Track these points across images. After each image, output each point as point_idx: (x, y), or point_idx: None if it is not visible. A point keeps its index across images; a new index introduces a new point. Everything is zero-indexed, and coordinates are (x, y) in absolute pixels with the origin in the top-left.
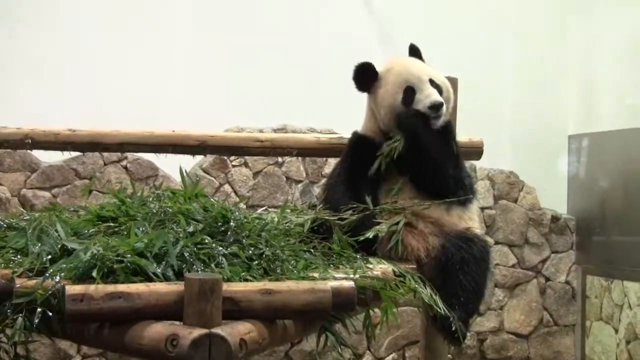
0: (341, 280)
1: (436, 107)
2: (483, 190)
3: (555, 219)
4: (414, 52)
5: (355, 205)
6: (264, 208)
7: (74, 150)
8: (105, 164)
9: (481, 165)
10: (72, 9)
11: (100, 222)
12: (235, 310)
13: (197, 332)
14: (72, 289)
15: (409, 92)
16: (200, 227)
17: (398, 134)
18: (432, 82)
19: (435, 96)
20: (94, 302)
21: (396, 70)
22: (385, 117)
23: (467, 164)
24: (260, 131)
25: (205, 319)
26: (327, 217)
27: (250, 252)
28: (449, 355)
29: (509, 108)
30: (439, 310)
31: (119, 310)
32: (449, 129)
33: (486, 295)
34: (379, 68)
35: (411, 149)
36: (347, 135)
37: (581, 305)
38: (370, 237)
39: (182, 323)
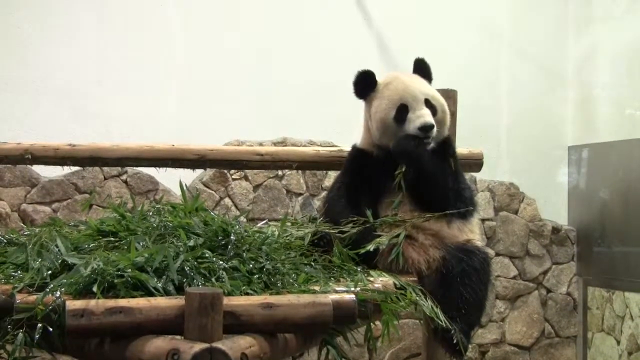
0: (342, 293)
1: (426, 128)
2: (483, 201)
3: (555, 230)
4: (420, 67)
5: (355, 219)
6: (265, 221)
7: (74, 165)
8: (105, 179)
9: (481, 177)
10: (71, 25)
11: (100, 237)
12: (236, 324)
13: (198, 346)
14: (73, 304)
15: (402, 110)
16: (201, 241)
17: (394, 156)
18: (427, 102)
19: (426, 118)
20: (94, 317)
21: (394, 85)
22: (376, 130)
23: (467, 175)
24: (260, 144)
25: (206, 334)
26: (327, 230)
27: (251, 265)
28: None
29: (508, 120)
30: (440, 322)
31: (119, 325)
32: (448, 143)
33: (487, 307)
34: (379, 79)
35: (408, 170)
36: (347, 148)
37: (582, 316)
38: (371, 249)
39: (183, 337)
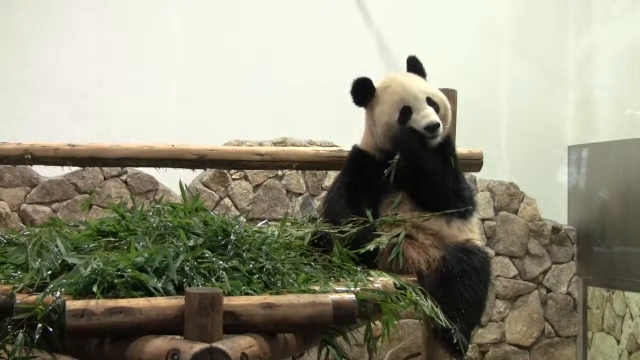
0: (342, 293)
1: (432, 128)
2: (483, 201)
3: (555, 229)
4: (413, 65)
5: (355, 218)
6: (264, 221)
7: (74, 165)
8: (105, 179)
9: (481, 176)
10: (71, 25)
11: (100, 237)
12: (236, 324)
13: (198, 346)
14: (73, 304)
15: (406, 112)
16: (201, 241)
17: (395, 152)
18: (429, 100)
19: (431, 117)
20: (94, 317)
21: (393, 88)
22: (381, 135)
23: (467, 175)
24: (260, 144)
25: (206, 334)
26: (327, 230)
27: (251, 265)
28: None
29: (508, 119)
30: (440, 322)
31: (119, 325)
32: (448, 142)
33: (487, 307)
34: (376, 84)
35: (409, 167)
36: (347, 148)
37: (582, 316)
38: (371, 249)
39: (183, 337)
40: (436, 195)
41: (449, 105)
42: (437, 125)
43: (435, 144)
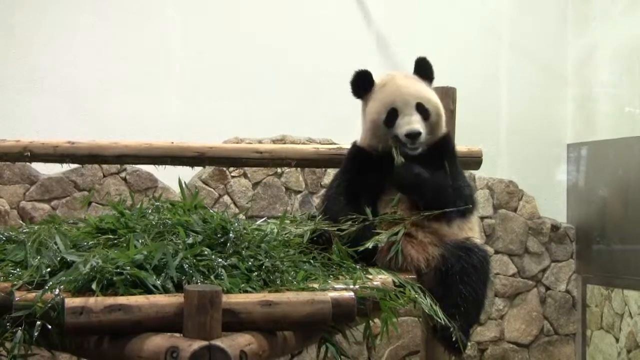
0: (341, 290)
1: (412, 136)
2: (482, 199)
3: (554, 227)
4: (421, 67)
5: (354, 216)
6: (264, 219)
7: (73, 162)
8: (104, 176)
9: (480, 174)
10: (70, 22)
11: (99, 234)
12: (235, 321)
13: (197, 344)
14: (72, 301)
15: (392, 114)
16: (200, 238)
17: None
18: (420, 106)
19: (413, 125)
20: (93, 315)
21: (388, 87)
22: (368, 131)
23: (467, 173)
24: (259, 142)
25: (205, 331)
26: (326, 228)
27: (250, 263)
28: None
29: (507, 117)
30: (439, 320)
31: (118, 322)
32: (447, 140)
33: (486, 305)
34: (376, 79)
35: (410, 191)
36: (346, 145)
37: (582, 314)
38: (370, 247)
39: (182, 335)
40: (437, 195)
41: (442, 113)
42: (417, 134)
43: (415, 154)
